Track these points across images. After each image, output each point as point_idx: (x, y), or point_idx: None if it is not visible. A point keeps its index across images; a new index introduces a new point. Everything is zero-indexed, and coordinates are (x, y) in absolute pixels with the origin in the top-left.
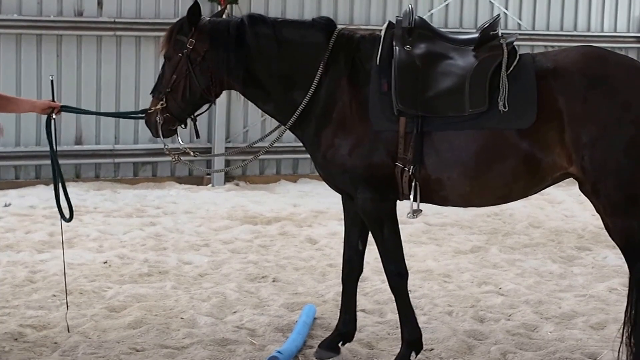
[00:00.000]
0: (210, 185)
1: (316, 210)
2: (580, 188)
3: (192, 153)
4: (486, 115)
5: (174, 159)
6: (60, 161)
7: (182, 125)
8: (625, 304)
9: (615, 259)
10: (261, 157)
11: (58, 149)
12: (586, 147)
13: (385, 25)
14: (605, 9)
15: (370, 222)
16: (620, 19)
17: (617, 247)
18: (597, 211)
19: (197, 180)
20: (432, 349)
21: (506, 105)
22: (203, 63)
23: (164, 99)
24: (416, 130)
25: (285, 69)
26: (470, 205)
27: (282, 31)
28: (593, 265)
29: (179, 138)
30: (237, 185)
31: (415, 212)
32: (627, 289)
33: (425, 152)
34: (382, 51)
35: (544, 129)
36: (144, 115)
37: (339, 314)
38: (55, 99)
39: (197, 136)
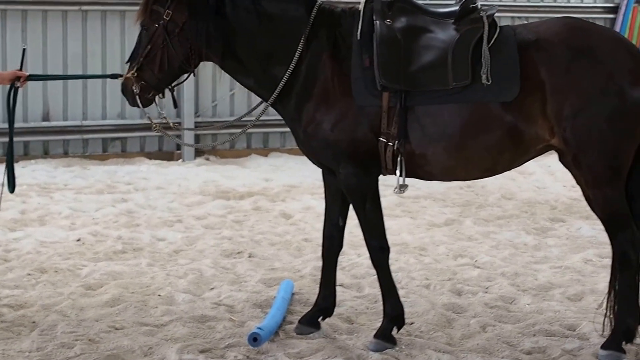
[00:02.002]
0: (180, 160)
1: (288, 184)
2: (561, 160)
3: (171, 124)
4: (470, 88)
5: (155, 129)
6: (28, 138)
7: (160, 95)
8: (600, 275)
9: (588, 230)
10: (232, 130)
11: (26, 125)
12: (568, 119)
13: (364, 0)
14: None
15: (352, 197)
16: None
17: (590, 218)
18: (578, 183)
19: (167, 155)
20: (412, 323)
21: (489, 78)
22: (181, 34)
23: (138, 68)
24: (400, 104)
25: (265, 42)
26: (456, 179)
27: (262, 4)
28: (567, 236)
29: (158, 107)
30: (208, 159)
31: (402, 187)
32: (602, 259)
33: (409, 126)
34: (362, 26)
35: (527, 101)
36: (113, 76)
37: (318, 290)
38: (23, 70)
39: (175, 106)
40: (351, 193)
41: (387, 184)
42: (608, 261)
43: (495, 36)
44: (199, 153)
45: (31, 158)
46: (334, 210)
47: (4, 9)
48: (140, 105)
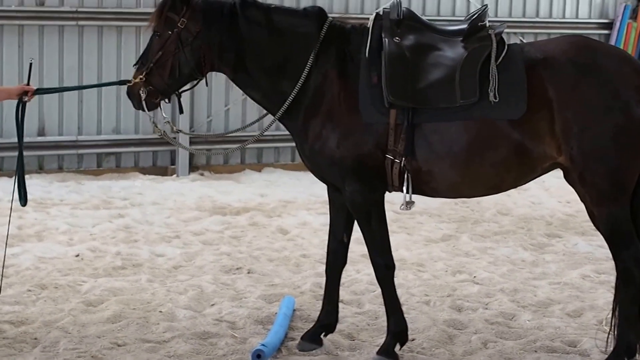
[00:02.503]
0: (174, 175)
1: (284, 200)
2: (566, 177)
3: (173, 128)
4: (477, 105)
5: (158, 133)
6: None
7: (166, 100)
8: (599, 291)
9: (585, 245)
10: (225, 146)
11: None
12: (576, 136)
13: (372, 17)
14: None
15: (358, 214)
16: (582, 5)
17: (586, 234)
18: (582, 200)
19: (161, 170)
20: (413, 339)
21: (497, 95)
22: (194, 42)
23: (147, 73)
24: (407, 122)
25: (275, 57)
26: (461, 196)
27: (273, 18)
28: (564, 252)
29: (162, 112)
30: (202, 175)
31: (408, 204)
32: (599, 275)
33: (416, 143)
34: (370, 43)
35: (534, 119)
36: (123, 82)
37: (321, 306)
38: (31, 84)
39: (181, 112)
40: (357, 210)
41: (387, 200)
42: (606, 277)
43: (503, 54)
44: (193, 168)
45: (26, 173)
46: (338, 226)
47: (0, 23)
48: (145, 109)
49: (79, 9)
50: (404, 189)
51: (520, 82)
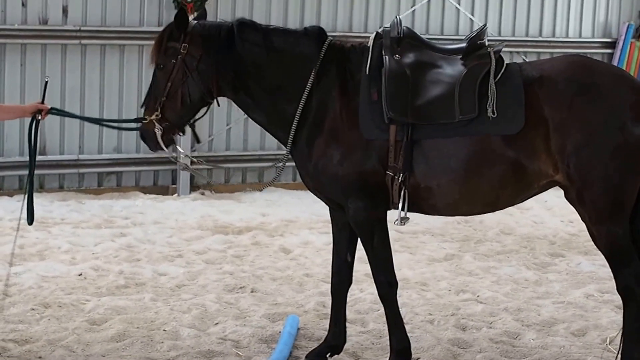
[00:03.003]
0: (175, 194)
1: (286, 219)
2: (566, 196)
3: (195, 160)
4: (476, 121)
5: (181, 168)
6: (24, 172)
7: (180, 133)
8: (602, 310)
9: (588, 265)
10: (226, 165)
11: (21, 159)
12: (572, 155)
13: (373, 36)
14: (570, 14)
15: (361, 231)
16: (585, 24)
17: (589, 253)
18: (582, 219)
19: (162, 189)
20: (418, 358)
21: (495, 111)
22: (200, 66)
23: (160, 109)
24: (406, 138)
25: (274, 77)
26: (458, 213)
27: (272, 39)
28: (567, 271)
29: (179, 147)
30: (203, 194)
31: (403, 220)
32: (602, 295)
33: (414, 160)
34: (371, 61)
35: (530, 135)
36: (137, 120)
37: (328, 326)
38: (45, 102)
39: (198, 141)
40: (360, 228)
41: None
42: (609, 296)
43: (501, 72)
44: (193, 187)
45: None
46: (342, 246)
47: (3, 42)
48: (163, 147)
49: (82, 28)
50: (400, 204)
51: (518, 98)
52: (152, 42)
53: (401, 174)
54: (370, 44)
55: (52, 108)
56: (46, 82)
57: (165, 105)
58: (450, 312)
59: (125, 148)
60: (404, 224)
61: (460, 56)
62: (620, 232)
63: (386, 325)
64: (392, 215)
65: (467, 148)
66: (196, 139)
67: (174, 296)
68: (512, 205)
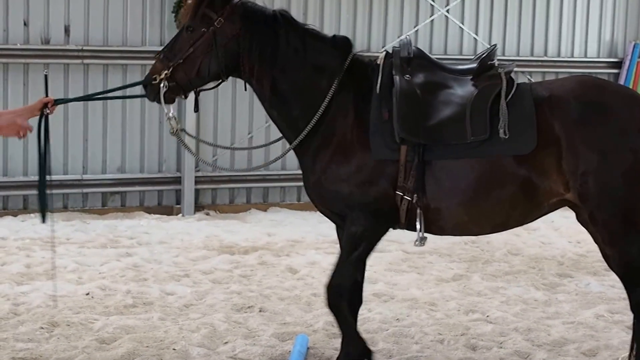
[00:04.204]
0: (180, 215)
1: (292, 239)
2: (578, 218)
3: (179, 129)
4: (487, 142)
5: (173, 132)
6: (28, 192)
7: (183, 96)
8: (613, 330)
9: (597, 285)
10: (231, 186)
11: (25, 179)
12: (584, 175)
13: (383, 55)
14: (575, 34)
15: (348, 241)
16: (591, 44)
17: (597, 274)
18: (595, 240)
19: (167, 210)
20: None
21: (507, 132)
22: (229, 44)
23: (172, 69)
24: (417, 158)
25: (299, 78)
26: (467, 234)
27: (306, 39)
28: (576, 292)
29: (172, 110)
30: (208, 214)
31: (422, 240)
32: (613, 315)
33: (426, 180)
34: (382, 80)
35: (541, 155)
36: (147, 81)
37: (340, 347)
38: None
39: (196, 109)
40: (349, 237)
41: (390, 239)
42: (620, 317)
43: (512, 92)
44: (198, 208)
45: (30, 212)
46: None
47: (5, 62)
48: (162, 102)
49: (84, 47)
50: (417, 224)
51: (529, 118)
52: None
53: (413, 195)
54: (380, 62)
55: (57, 99)
56: (46, 76)
57: (179, 67)
58: (460, 332)
59: (129, 168)
60: (424, 244)
61: (471, 77)
62: (633, 251)
63: (396, 345)
64: (398, 236)
65: (477, 169)
66: (196, 106)
67: (182, 315)
68: (523, 224)
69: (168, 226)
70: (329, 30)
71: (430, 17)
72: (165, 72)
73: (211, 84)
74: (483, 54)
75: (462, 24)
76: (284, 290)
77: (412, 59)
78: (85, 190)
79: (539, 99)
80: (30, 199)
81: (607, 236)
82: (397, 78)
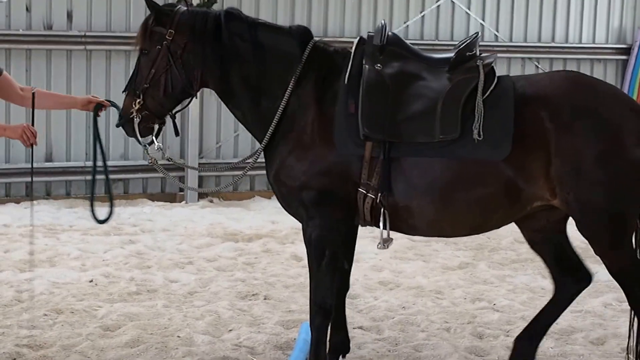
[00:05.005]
0: (183, 202)
1: (296, 227)
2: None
3: (165, 155)
4: (457, 143)
5: (151, 162)
6: (29, 178)
7: (159, 122)
8: (621, 319)
9: (605, 274)
10: (235, 173)
11: (27, 166)
12: (572, 181)
13: (356, 41)
14: (583, 20)
15: (311, 249)
16: (599, 30)
17: None
18: (589, 244)
19: (170, 197)
20: None
21: (481, 133)
22: (184, 55)
23: (142, 96)
24: (383, 155)
25: (255, 74)
26: (442, 235)
27: (258, 33)
28: None
29: (154, 139)
30: (212, 202)
31: (386, 242)
32: (621, 304)
33: (392, 178)
34: (351, 69)
35: (528, 159)
36: (122, 122)
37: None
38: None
39: (177, 134)
40: (311, 245)
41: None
42: (627, 306)
43: (491, 88)
44: (202, 195)
45: (34, 199)
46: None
47: (8, 47)
48: (139, 135)
49: (87, 34)
50: (381, 225)
51: (507, 121)
52: None
53: (377, 193)
54: (352, 49)
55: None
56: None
57: (147, 93)
58: (467, 320)
59: (132, 155)
60: (387, 247)
61: (447, 68)
62: (624, 255)
63: (402, 333)
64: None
65: (450, 169)
66: (175, 131)
67: (186, 303)
68: (499, 227)
69: (171, 213)
70: (333, 19)
71: (437, 2)
72: (137, 102)
73: (186, 102)
74: (463, 43)
75: (469, 9)
76: (289, 277)
77: (385, 47)
78: (88, 177)
79: (525, 97)
80: (34, 185)
81: (598, 245)
82: (366, 67)
